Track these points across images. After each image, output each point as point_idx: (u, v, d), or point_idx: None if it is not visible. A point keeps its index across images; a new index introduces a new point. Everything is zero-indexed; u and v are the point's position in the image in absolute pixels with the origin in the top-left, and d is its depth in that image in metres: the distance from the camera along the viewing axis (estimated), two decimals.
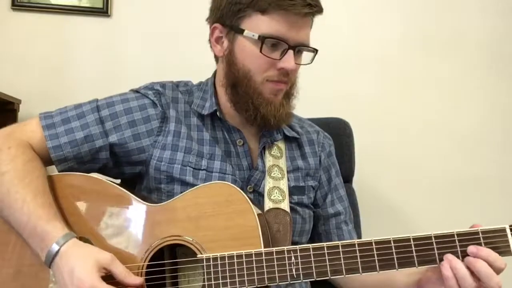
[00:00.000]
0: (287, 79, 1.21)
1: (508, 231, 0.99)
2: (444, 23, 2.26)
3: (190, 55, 1.92)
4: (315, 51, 1.25)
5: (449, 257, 0.99)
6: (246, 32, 1.18)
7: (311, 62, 1.26)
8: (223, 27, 1.23)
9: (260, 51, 1.17)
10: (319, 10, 1.20)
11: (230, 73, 1.23)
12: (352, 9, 2.24)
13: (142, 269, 1.06)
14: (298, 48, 1.20)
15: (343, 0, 2.23)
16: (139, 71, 2.06)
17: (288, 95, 1.25)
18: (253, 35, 1.17)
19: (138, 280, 1.02)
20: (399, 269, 0.99)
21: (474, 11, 2.28)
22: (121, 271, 1.00)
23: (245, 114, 1.23)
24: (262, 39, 1.16)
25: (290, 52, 1.17)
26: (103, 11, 2.08)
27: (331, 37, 2.19)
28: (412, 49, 2.25)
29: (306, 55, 1.26)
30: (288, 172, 1.29)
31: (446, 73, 2.26)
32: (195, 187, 1.12)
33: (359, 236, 1.51)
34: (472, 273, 0.98)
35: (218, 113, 1.26)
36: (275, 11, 1.15)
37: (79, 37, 2.09)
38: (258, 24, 1.17)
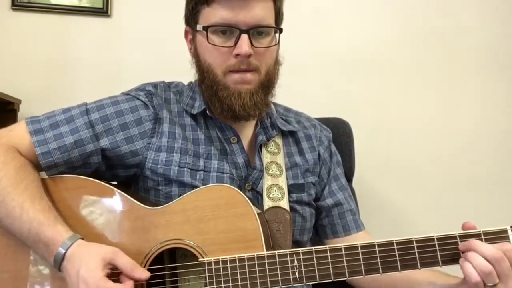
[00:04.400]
0: (248, 66, 1.17)
1: (509, 232, 1.00)
2: (444, 23, 2.26)
3: (190, 55, 1.93)
4: (276, 30, 1.21)
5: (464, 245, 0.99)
6: (198, 27, 1.19)
7: (277, 43, 1.23)
8: (189, 28, 1.25)
9: (208, 41, 1.16)
10: None
11: (198, 71, 1.25)
12: (352, 9, 2.23)
13: (147, 280, 1.04)
14: (255, 31, 1.16)
15: (344, 1, 2.23)
16: (139, 71, 2.05)
17: (262, 84, 1.20)
18: (200, 28, 1.18)
19: (145, 274, 1.00)
20: (401, 271, 0.99)
21: (474, 11, 2.28)
22: (126, 265, 0.99)
23: (214, 108, 1.23)
24: (206, 29, 1.16)
25: (243, 36, 1.14)
26: (103, 11, 2.08)
27: (331, 37, 2.21)
28: (412, 49, 2.25)
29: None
30: (286, 169, 1.28)
31: (446, 73, 2.26)
32: (194, 190, 1.11)
33: None
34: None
35: (208, 111, 1.25)
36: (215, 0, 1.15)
37: (79, 37, 2.08)
38: (207, 17, 1.17)
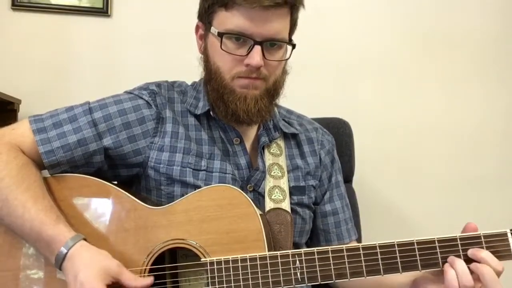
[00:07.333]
0: (258, 75, 1.17)
1: (509, 235, 1.00)
2: (444, 23, 2.27)
3: (190, 55, 1.93)
4: (290, 45, 1.22)
5: (450, 258, 1.00)
6: (212, 29, 1.18)
7: (289, 57, 1.23)
8: (202, 24, 1.24)
9: (220, 48, 1.16)
10: (286, 0, 1.15)
11: (205, 70, 1.24)
12: (352, 10, 2.24)
13: (145, 273, 1.05)
14: (268, 43, 1.15)
15: (344, 1, 2.23)
16: (139, 71, 2.05)
17: (268, 91, 1.21)
18: (215, 32, 1.17)
19: (148, 280, 1.01)
20: (403, 273, 1.00)
21: (474, 11, 2.28)
22: (128, 279, 1.00)
23: (218, 110, 1.23)
24: (221, 35, 1.15)
25: (256, 48, 1.13)
26: (103, 11, 2.08)
27: (331, 38, 2.21)
28: (412, 49, 2.26)
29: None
30: (287, 171, 1.29)
31: (446, 73, 2.27)
32: (197, 190, 1.11)
33: (359, 236, 1.52)
34: (472, 273, 0.98)
35: (211, 112, 1.26)
36: (235, 6, 1.13)
37: (79, 37, 2.09)
38: (223, 20, 1.16)
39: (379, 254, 1.00)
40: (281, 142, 1.32)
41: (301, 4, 1.21)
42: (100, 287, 0.96)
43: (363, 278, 1.00)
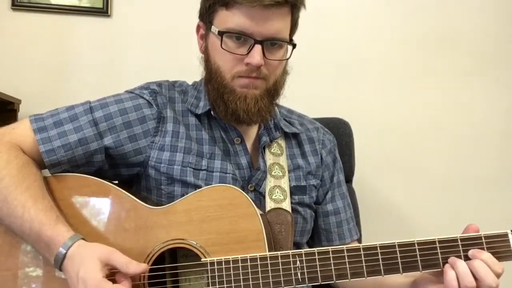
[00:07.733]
0: (258, 74, 1.17)
1: (510, 236, 1.00)
2: (444, 23, 2.27)
3: (190, 55, 1.93)
4: (291, 45, 1.22)
5: (451, 258, 1.00)
6: (212, 28, 1.18)
7: (290, 57, 1.23)
8: (203, 24, 1.24)
9: (221, 46, 1.15)
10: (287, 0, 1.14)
11: (206, 70, 1.24)
12: (352, 10, 2.24)
13: (145, 273, 1.05)
14: (269, 42, 1.15)
15: (344, 1, 2.24)
16: (139, 71, 2.05)
17: (269, 91, 1.21)
18: (216, 31, 1.17)
19: (141, 267, 1.00)
20: (403, 273, 1.00)
21: (474, 11, 2.28)
22: (121, 263, 0.98)
23: (218, 110, 1.23)
24: (221, 34, 1.15)
25: (257, 47, 1.13)
26: (103, 11, 2.08)
27: (331, 37, 2.21)
28: (412, 49, 2.26)
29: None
30: (288, 171, 1.29)
31: (446, 73, 2.27)
32: (198, 190, 1.11)
33: (360, 236, 1.52)
34: (471, 272, 0.98)
35: (212, 112, 1.26)
36: (236, 5, 1.13)
37: (79, 37, 2.09)
38: (224, 20, 1.16)
39: (379, 255, 1.00)
40: (282, 142, 1.32)
41: (302, 4, 1.21)
42: (101, 280, 0.96)
43: (364, 278, 1.00)
